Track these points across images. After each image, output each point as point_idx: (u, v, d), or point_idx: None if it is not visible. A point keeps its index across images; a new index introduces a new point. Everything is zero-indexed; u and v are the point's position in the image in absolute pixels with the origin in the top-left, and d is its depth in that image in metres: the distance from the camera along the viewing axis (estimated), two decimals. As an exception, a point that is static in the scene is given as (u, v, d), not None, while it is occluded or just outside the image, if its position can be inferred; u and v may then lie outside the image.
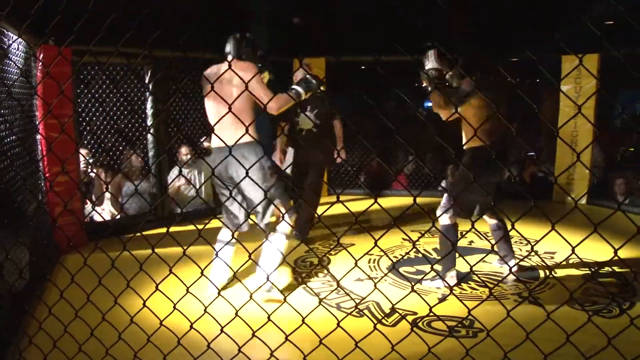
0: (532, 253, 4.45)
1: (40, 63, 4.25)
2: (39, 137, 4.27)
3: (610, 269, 4.02)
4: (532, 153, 8.01)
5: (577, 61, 1.51)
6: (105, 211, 5.74)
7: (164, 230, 4.98)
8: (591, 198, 6.26)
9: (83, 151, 5.55)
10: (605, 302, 3.42)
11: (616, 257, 1.44)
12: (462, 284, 3.85)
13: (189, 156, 6.06)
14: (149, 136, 5.64)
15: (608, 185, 6.48)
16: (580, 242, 1.48)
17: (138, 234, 1.90)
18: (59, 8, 1.83)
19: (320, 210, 5.11)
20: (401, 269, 4.17)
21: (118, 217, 5.67)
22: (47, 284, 3.71)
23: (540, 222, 5.24)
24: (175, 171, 6.12)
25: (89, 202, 5.56)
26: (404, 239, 4.84)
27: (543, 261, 4.25)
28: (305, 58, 5.72)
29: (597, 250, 4.06)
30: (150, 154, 5.69)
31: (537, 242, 1.86)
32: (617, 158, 6.83)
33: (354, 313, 3.29)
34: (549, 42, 6.93)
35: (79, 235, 4.59)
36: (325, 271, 4.11)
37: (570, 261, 4.21)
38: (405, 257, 4.48)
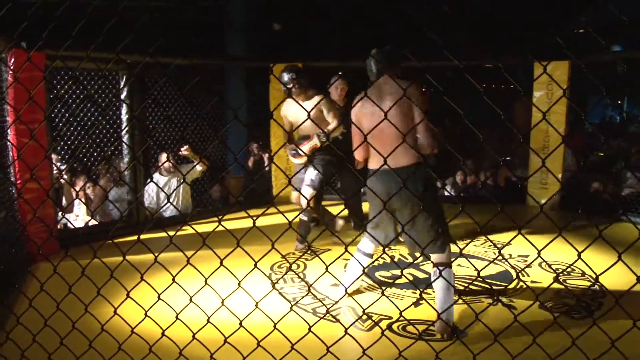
0: (507, 256, 4.52)
1: (11, 68, 4.19)
2: (9, 143, 4.20)
3: (581, 272, 4.11)
4: (507, 158, 8.15)
5: (549, 67, 1.55)
6: (79, 218, 5.67)
7: (143, 236, 4.92)
8: (564, 202, 6.39)
9: (54, 157, 5.48)
10: (573, 304, 3.49)
11: (580, 260, 1.49)
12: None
13: (168, 163, 6.02)
14: (124, 142, 5.60)
15: (580, 190, 6.63)
16: (545, 245, 1.52)
17: (116, 241, 1.88)
18: (29, 12, 1.82)
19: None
20: (377, 274, 4.19)
21: (91, 223, 5.60)
22: (18, 294, 3.65)
23: (512, 227, 5.33)
24: (155, 178, 6.08)
25: (59, 210, 5.50)
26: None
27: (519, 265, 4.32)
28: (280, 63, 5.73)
29: (571, 254, 4.15)
30: (125, 160, 5.65)
31: (503, 247, 1.89)
32: (581, 163, 6.97)
33: (329, 318, 3.31)
34: (526, 49, 7.05)
35: (50, 243, 4.52)
36: (302, 276, 4.12)
37: (544, 265, 4.29)
38: (381, 262, 4.51)
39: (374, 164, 3.24)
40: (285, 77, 4.60)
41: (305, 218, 4.81)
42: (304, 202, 4.70)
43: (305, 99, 4.68)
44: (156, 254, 1.73)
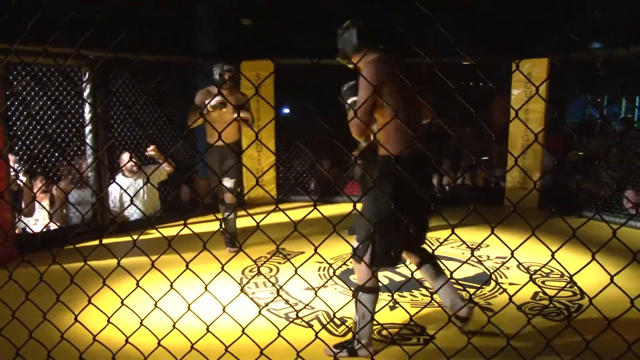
0: (485, 258, 4.60)
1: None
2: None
3: (560, 273, 4.20)
4: (485, 158, 8.26)
5: (527, 65, 1.59)
6: (38, 222, 5.56)
7: (105, 240, 4.85)
8: (543, 202, 6.51)
9: (11, 158, 5.37)
10: (553, 306, 3.56)
11: (554, 260, 1.52)
12: (414, 290, 3.93)
13: (131, 163, 5.94)
14: (88, 142, 5.52)
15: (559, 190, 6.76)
16: (519, 246, 1.56)
17: (70, 246, 1.86)
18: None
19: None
20: (352, 277, 4.21)
21: (51, 227, 5.50)
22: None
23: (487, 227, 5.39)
24: (118, 179, 6.00)
25: (17, 213, 5.39)
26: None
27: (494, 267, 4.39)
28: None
29: (547, 254, 4.23)
30: (89, 160, 5.57)
31: (476, 247, 1.90)
32: (554, 162, 7.10)
33: (302, 323, 3.31)
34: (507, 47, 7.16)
35: (6, 248, 4.43)
36: (273, 280, 4.11)
37: (522, 267, 4.36)
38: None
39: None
40: (225, 67, 4.90)
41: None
42: None
43: (230, 94, 4.95)
44: (119, 258, 1.71)
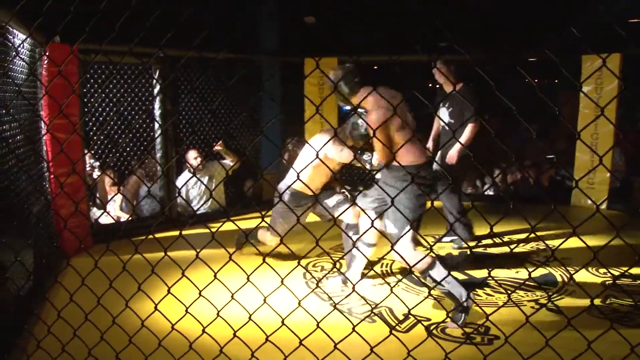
0: (551, 259, 4.45)
1: (46, 61, 4.30)
2: (44, 137, 4.32)
3: (631, 276, 4.01)
4: (552, 156, 8.00)
5: (599, 61, 1.53)
6: (110, 214, 5.78)
7: (172, 233, 5.00)
8: (612, 203, 6.25)
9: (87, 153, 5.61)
10: (627, 310, 3.42)
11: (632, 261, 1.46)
12: (478, 290, 3.86)
13: (198, 160, 6.04)
14: (158, 138, 5.69)
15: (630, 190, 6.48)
16: (603, 246, 1.50)
17: (149, 237, 1.92)
18: (67, 7, 1.87)
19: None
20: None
21: (126, 219, 5.72)
22: (55, 287, 3.75)
23: (557, 227, 5.23)
24: (184, 175, 6.15)
25: (93, 205, 5.64)
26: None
27: (563, 265, 4.25)
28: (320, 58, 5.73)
29: (617, 256, 4.06)
30: (158, 155, 5.73)
31: (557, 247, 1.84)
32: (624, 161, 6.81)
33: (366, 319, 3.32)
34: (568, 41, 6.91)
35: (85, 238, 4.63)
36: (335, 275, 4.13)
37: (590, 268, 4.20)
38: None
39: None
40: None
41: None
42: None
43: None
44: (197, 250, 1.76)
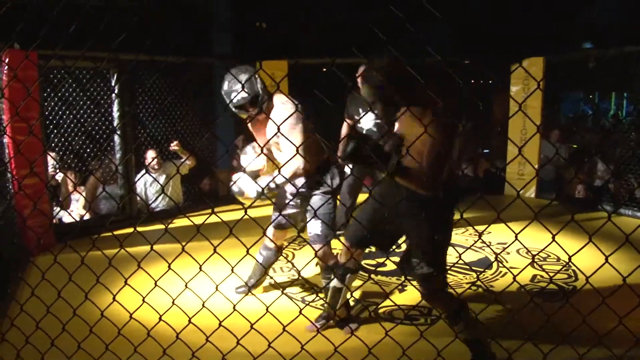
0: (487, 244, 4.60)
1: (6, 67, 4.17)
2: (5, 140, 4.20)
3: (557, 257, 4.21)
4: (486, 151, 8.25)
5: (524, 64, 1.61)
6: (73, 213, 5.65)
7: (131, 230, 4.91)
8: (546, 192, 6.55)
9: (51, 154, 5.45)
10: (551, 288, 3.58)
11: (554, 243, 1.54)
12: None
13: (156, 160, 5.95)
14: (116, 138, 5.58)
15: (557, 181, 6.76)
16: (523, 228, 1.58)
17: (109, 234, 1.91)
18: (25, 13, 1.83)
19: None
20: (362, 262, 4.25)
21: (86, 217, 5.59)
22: (19, 284, 3.65)
23: (492, 215, 5.39)
24: (142, 175, 6.04)
25: (56, 204, 5.48)
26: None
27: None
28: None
29: (547, 241, 4.23)
30: (117, 155, 5.63)
31: (483, 231, 1.92)
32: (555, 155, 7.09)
33: (317, 305, 3.36)
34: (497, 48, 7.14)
35: (47, 237, 4.52)
36: (290, 265, 4.15)
37: (521, 252, 4.37)
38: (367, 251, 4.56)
39: None
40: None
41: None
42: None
43: None
44: (152, 244, 1.76)
